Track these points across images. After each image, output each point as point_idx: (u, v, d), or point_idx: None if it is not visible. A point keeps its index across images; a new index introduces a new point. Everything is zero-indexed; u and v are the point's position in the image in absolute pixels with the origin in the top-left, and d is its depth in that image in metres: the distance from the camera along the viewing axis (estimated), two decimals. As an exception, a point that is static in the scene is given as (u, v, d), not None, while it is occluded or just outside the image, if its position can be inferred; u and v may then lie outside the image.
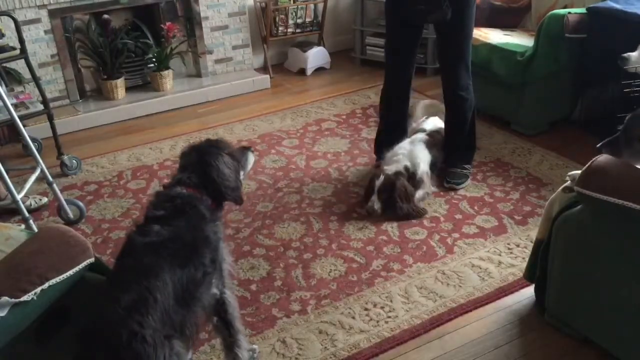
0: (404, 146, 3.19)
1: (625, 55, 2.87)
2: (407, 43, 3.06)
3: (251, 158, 2.15)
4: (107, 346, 1.45)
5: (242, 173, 2.05)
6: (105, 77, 4.34)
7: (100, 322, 1.50)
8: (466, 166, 3.20)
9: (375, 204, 2.91)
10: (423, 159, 3.08)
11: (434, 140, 3.24)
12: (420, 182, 3.04)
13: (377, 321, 2.32)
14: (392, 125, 3.29)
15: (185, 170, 1.93)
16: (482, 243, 2.76)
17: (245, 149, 2.15)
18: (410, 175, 3.02)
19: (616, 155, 1.99)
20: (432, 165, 3.16)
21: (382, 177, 2.94)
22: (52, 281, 1.48)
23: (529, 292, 2.42)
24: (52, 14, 4.08)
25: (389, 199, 2.92)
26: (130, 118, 4.30)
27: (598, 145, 2.08)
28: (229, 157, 1.97)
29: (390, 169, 3.01)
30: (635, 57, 2.88)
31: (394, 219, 2.92)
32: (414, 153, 3.11)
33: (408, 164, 3.05)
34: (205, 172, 1.90)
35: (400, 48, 3.10)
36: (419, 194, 3.01)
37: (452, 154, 3.21)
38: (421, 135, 3.26)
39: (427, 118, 3.50)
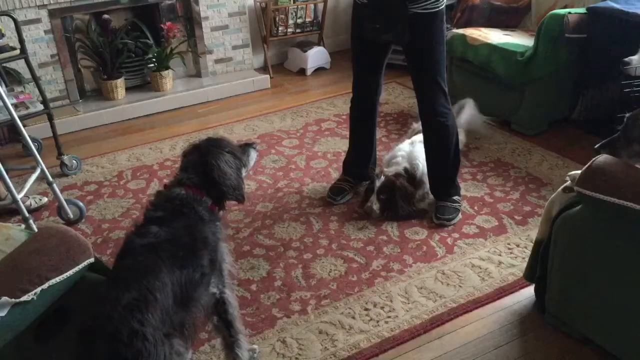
0: (403, 148, 3.18)
1: (626, 59, 2.88)
2: (369, 62, 2.89)
3: (253, 154, 2.14)
4: (108, 344, 1.45)
5: (244, 170, 2.05)
6: (105, 77, 4.34)
7: (100, 321, 1.50)
8: (455, 198, 2.94)
9: (374, 204, 2.91)
10: (422, 160, 3.08)
11: None
12: (420, 182, 3.04)
13: (377, 321, 2.32)
14: (357, 142, 3.14)
15: (186, 170, 1.92)
16: (482, 243, 2.76)
17: (247, 145, 2.14)
18: (410, 177, 3.02)
19: (615, 156, 1.99)
20: None
21: (382, 178, 2.94)
22: (52, 281, 1.48)
23: (529, 292, 2.42)
24: (52, 14, 4.08)
25: (388, 200, 2.92)
26: (130, 118, 4.30)
27: (596, 146, 2.07)
28: (230, 156, 1.97)
29: (390, 170, 3.02)
30: (636, 61, 2.89)
31: (394, 219, 2.92)
32: (413, 154, 3.10)
33: (407, 165, 3.05)
34: (206, 172, 1.89)
35: (362, 67, 2.92)
36: (419, 194, 3.01)
37: (438, 186, 2.96)
38: (421, 136, 3.25)
39: None
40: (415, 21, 2.60)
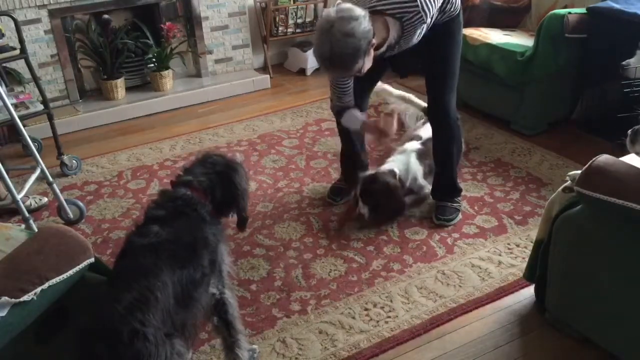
0: (395, 158, 3.07)
1: (624, 62, 2.89)
2: (369, 75, 2.75)
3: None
4: (108, 344, 1.45)
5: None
6: (105, 77, 4.34)
7: (101, 321, 1.50)
8: (456, 199, 2.95)
9: (362, 208, 2.84)
10: (414, 172, 3.00)
11: (427, 150, 3.03)
12: (412, 190, 2.99)
13: (377, 321, 2.32)
14: (347, 149, 3.11)
15: (203, 166, 1.93)
16: (482, 243, 2.76)
17: None
18: (399, 180, 2.93)
19: (634, 141, 2.01)
20: (427, 174, 3.05)
21: (360, 182, 2.86)
22: (52, 281, 1.48)
23: (529, 292, 2.42)
24: (52, 14, 4.08)
25: (374, 201, 2.84)
26: (130, 118, 4.30)
27: (629, 130, 2.07)
28: (245, 173, 2.01)
29: (369, 172, 2.93)
30: (634, 63, 2.90)
31: (386, 221, 2.89)
32: (408, 166, 3.01)
33: (394, 168, 2.95)
34: (227, 176, 1.91)
35: (361, 79, 2.78)
36: (410, 198, 2.97)
37: (439, 187, 2.96)
38: (414, 145, 3.13)
39: (424, 123, 3.27)
40: (440, 29, 2.57)
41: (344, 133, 3.02)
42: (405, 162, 3.03)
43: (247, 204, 2.00)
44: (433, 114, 2.83)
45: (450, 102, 2.76)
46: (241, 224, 2.03)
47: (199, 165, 1.96)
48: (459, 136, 2.88)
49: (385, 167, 2.99)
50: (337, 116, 2.82)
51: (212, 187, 1.89)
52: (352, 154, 3.10)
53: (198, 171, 1.92)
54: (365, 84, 2.84)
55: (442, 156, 2.89)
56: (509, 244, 2.74)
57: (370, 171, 2.98)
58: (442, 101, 2.76)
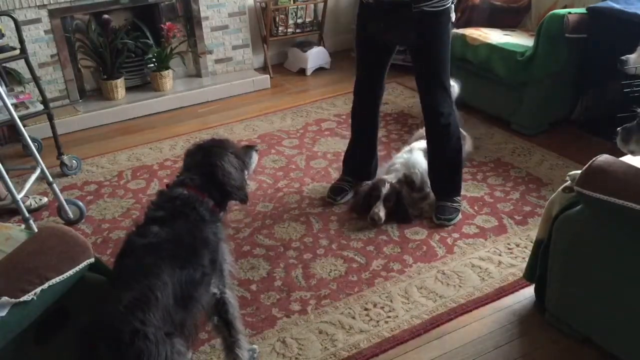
0: (401, 156, 3.16)
1: (623, 57, 2.88)
2: (374, 62, 2.90)
3: (255, 157, 2.14)
4: (109, 343, 1.46)
5: (246, 172, 2.05)
6: (105, 77, 4.34)
7: (102, 320, 1.50)
8: (456, 199, 2.94)
9: (381, 211, 2.86)
10: (420, 167, 3.05)
11: None
12: (420, 189, 3.03)
13: (377, 321, 2.32)
14: (359, 140, 3.14)
15: (189, 170, 1.93)
16: (482, 243, 2.76)
17: (249, 148, 2.14)
18: (409, 183, 3.02)
19: (626, 140, 2.03)
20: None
21: (387, 186, 2.90)
22: (52, 281, 1.48)
23: (529, 292, 2.42)
24: (52, 14, 4.08)
25: (394, 207, 2.90)
26: (130, 118, 4.30)
27: (618, 128, 2.10)
28: (234, 157, 1.97)
29: (389, 177, 3.00)
30: (633, 59, 2.90)
31: (402, 223, 2.91)
32: (410, 161, 3.08)
33: (406, 172, 3.04)
34: (210, 172, 1.90)
35: (366, 67, 2.94)
36: (419, 196, 3.00)
37: (439, 186, 2.97)
38: (420, 143, 3.20)
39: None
40: (420, 20, 2.59)
41: (364, 112, 3.04)
42: (412, 159, 3.08)
43: (244, 188, 1.98)
44: (430, 117, 2.85)
45: (443, 98, 2.77)
46: (242, 203, 2.04)
47: (186, 168, 1.96)
48: (456, 130, 2.87)
49: (398, 170, 3.04)
50: None
51: (206, 185, 1.89)
52: (367, 138, 3.10)
53: (189, 172, 1.92)
54: (376, 66, 2.89)
55: (440, 152, 2.90)
56: (509, 244, 2.74)
57: (389, 177, 3.00)
58: (437, 103, 2.77)
